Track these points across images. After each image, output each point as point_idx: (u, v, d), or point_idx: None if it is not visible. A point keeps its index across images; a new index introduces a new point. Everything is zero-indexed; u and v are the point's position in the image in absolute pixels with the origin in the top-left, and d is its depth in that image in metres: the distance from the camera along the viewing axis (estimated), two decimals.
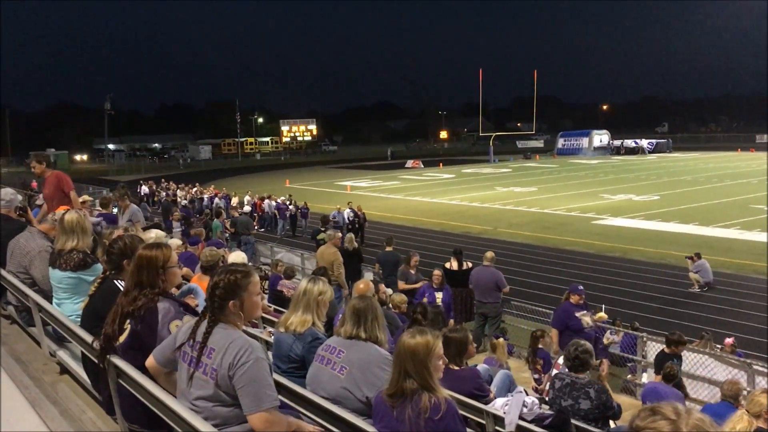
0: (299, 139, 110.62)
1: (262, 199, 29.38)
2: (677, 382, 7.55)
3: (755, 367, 9.00)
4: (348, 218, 24.40)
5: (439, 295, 10.76)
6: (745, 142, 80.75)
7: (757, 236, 22.26)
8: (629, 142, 73.45)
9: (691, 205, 30.00)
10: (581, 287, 9.47)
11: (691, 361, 9.36)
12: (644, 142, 73.38)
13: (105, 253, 4.17)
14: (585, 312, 9.07)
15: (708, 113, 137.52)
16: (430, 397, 2.93)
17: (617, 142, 73.53)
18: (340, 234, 14.27)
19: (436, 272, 11.07)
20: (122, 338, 3.28)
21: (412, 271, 11.87)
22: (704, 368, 9.30)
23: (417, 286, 11.46)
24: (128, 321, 3.31)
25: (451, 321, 10.93)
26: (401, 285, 11.61)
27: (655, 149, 72.36)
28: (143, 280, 3.38)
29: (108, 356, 3.23)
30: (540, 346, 8.26)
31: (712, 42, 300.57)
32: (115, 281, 3.89)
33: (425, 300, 10.16)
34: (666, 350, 8.38)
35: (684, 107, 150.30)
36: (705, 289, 15.97)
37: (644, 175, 46.21)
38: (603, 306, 12.97)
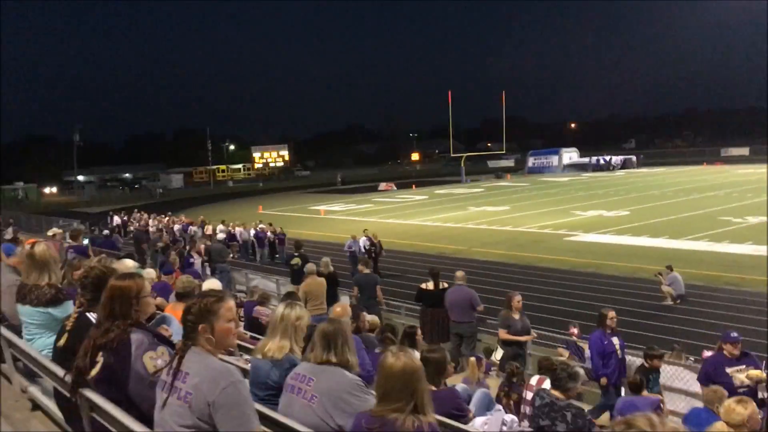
0: (271, 165, 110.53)
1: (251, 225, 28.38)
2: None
3: None
4: (364, 247, 22.55)
5: (616, 341, 8.78)
6: (710, 155, 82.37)
7: (726, 248, 22.63)
8: (594, 159, 74.50)
9: (660, 219, 30.43)
10: (735, 334, 7.49)
11: (668, 373, 9.45)
12: (614, 158, 74.62)
13: (79, 285, 4.10)
14: (743, 367, 7.26)
15: (673, 129, 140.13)
16: (414, 420, 2.84)
17: (605, 158, 74.35)
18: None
19: (611, 314, 8.94)
20: (94, 371, 3.22)
21: (516, 316, 9.87)
22: (680, 380, 9.39)
23: (524, 338, 9.96)
24: (100, 353, 3.25)
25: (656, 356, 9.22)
26: (502, 334, 9.89)
27: (624, 165, 73.67)
28: (116, 311, 3.32)
29: (80, 390, 3.17)
30: (514, 380, 7.73)
31: (675, 59, 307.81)
32: (88, 314, 3.82)
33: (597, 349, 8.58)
34: (645, 364, 8.45)
35: (649, 123, 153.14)
36: (678, 302, 16.13)
37: (613, 190, 46.84)
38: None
